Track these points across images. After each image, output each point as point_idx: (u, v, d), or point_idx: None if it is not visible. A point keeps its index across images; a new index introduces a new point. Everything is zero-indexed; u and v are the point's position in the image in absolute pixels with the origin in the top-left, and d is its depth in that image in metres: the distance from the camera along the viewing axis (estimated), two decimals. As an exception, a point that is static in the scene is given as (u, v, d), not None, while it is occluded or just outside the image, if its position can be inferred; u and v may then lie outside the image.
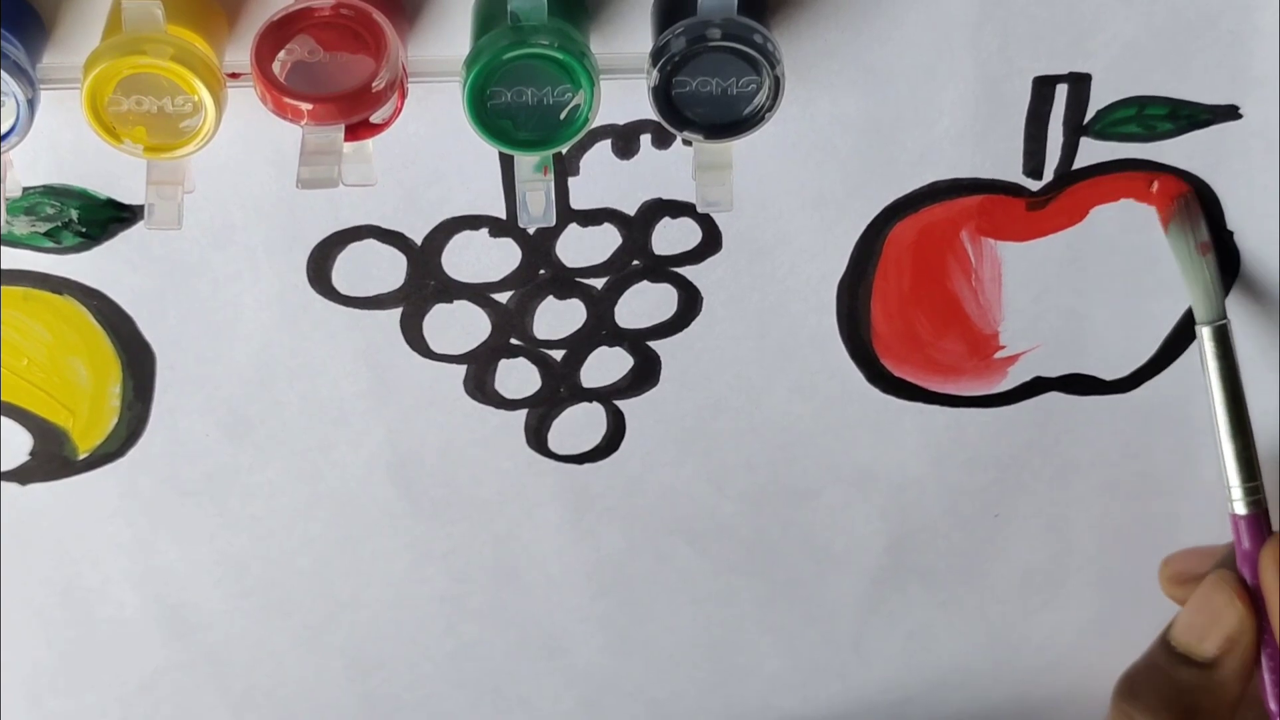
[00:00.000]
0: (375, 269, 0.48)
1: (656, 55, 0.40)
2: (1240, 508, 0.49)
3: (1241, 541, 0.50)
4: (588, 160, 0.46)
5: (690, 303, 0.50)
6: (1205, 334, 0.49)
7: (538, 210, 0.42)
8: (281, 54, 0.40)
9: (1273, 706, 0.49)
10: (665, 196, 0.47)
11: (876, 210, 0.48)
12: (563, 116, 0.40)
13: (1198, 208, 0.49)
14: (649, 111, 0.40)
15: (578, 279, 0.49)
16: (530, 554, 0.57)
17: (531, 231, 0.48)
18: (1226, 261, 0.50)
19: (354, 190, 0.46)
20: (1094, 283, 0.51)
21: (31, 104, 0.39)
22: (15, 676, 0.59)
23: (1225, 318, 0.49)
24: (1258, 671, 0.49)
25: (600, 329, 0.51)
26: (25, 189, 0.45)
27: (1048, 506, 0.57)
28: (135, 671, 0.59)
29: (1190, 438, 0.55)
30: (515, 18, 0.39)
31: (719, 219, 0.48)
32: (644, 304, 0.50)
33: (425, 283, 0.49)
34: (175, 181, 0.42)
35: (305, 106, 0.39)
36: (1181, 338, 0.52)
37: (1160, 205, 0.49)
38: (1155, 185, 0.49)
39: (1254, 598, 0.49)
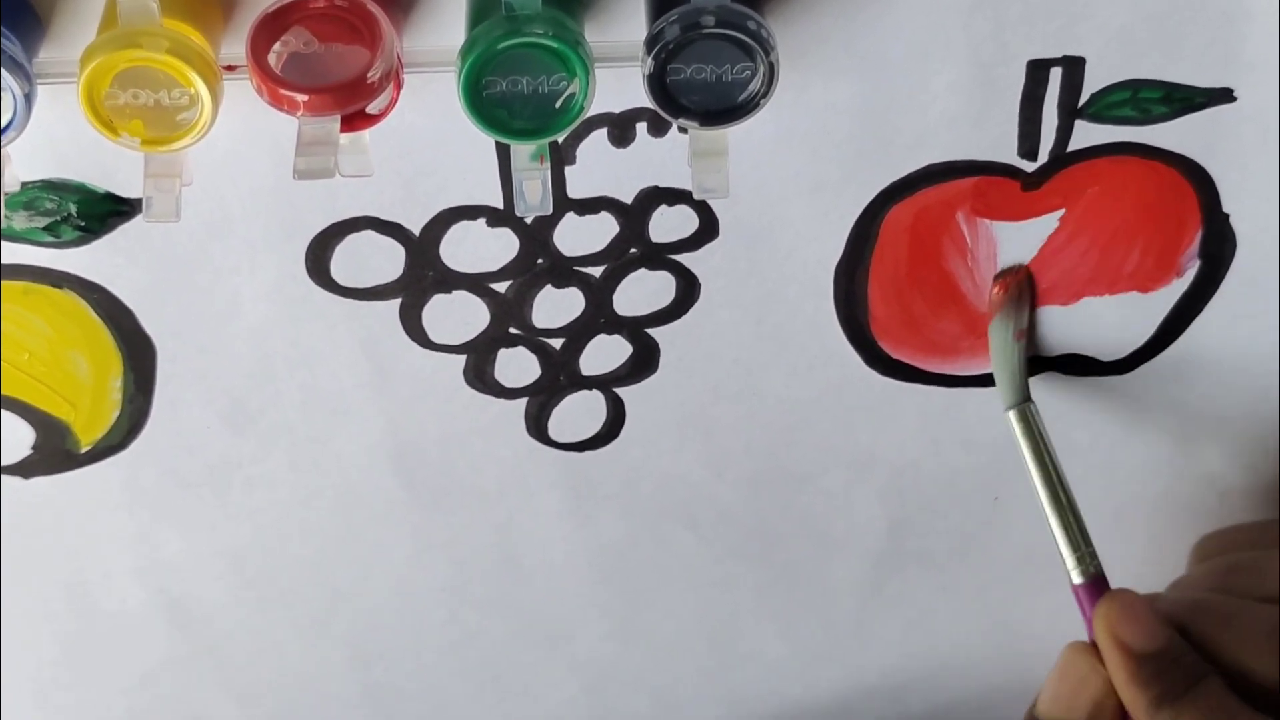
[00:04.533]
0: (373, 260, 0.48)
1: (651, 43, 0.40)
2: (1076, 577, 0.50)
3: (1084, 610, 0.50)
4: (584, 149, 0.46)
5: (688, 290, 0.50)
6: (1012, 417, 0.51)
7: (535, 199, 0.43)
8: (277, 46, 0.40)
9: None
10: (662, 184, 0.47)
11: (872, 194, 0.48)
12: (558, 105, 0.40)
13: (1029, 294, 0.51)
14: (644, 99, 0.40)
15: (576, 267, 0.49)
16: (531, 542, 0.57)
17: (529, 220, 0.48)
18: (1222, 244, 0.51)
19: (351, 181, 0.46)
20: (1090, 265, 0.51)
21: (29, 99, 0.39)
22: (19, 670, 0.59)
23: (1029, 399, 0.50)
24: None
25: (599, 317, 0.51)
26: (24, 184, 0.45)
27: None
28: (139, 664, 0.59)
29: (1187, 420, 0.55)
30: (509, 7, 0.39)
31: (715, 206, 0.48)
32: (642, 291, 0.50)
33: (424, 273, 0.49)
34: (173, 174, 0.42)
35: (301, 98, 0.39)
36: (1178, 320, 0.53)
37: (995, 296, 0.50)
38: (995, 290, 0.51)
39: None
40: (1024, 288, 0.50)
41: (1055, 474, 0.50)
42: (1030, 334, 0.52)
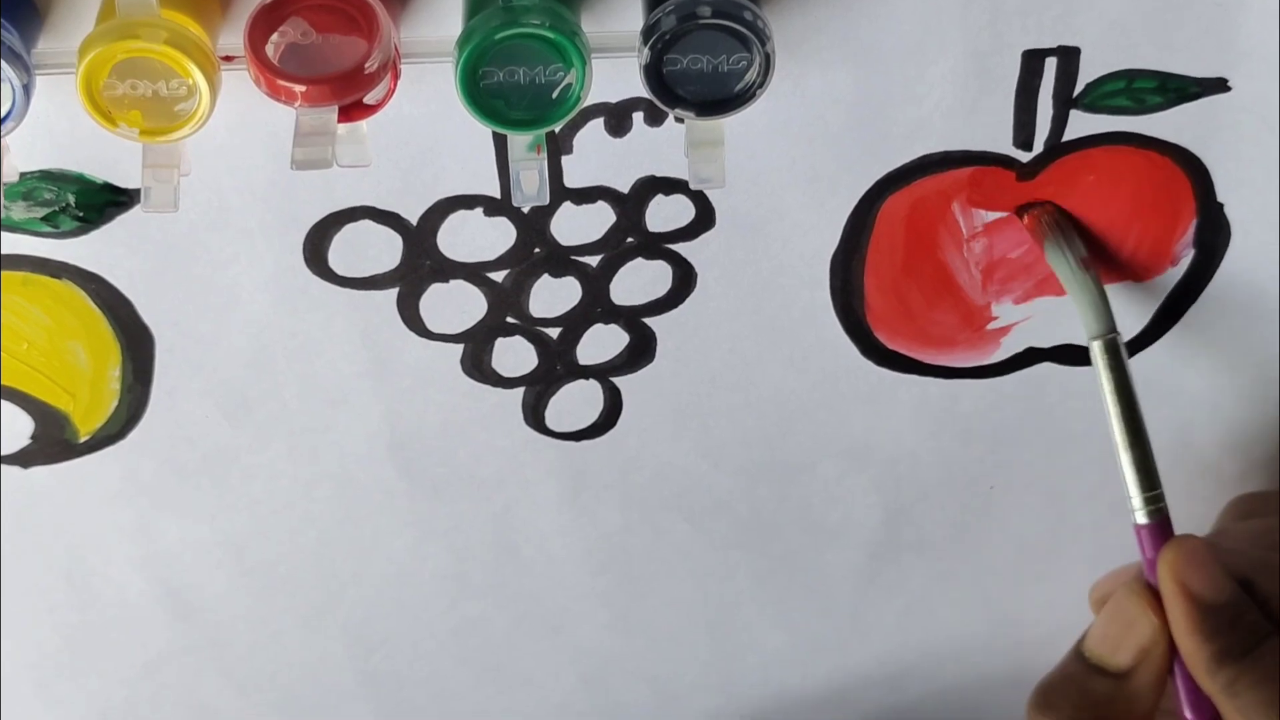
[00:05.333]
0: (371, 249, 0.48)
1: (647, 33, 0.40)
2: (1141, 517, 0.49)
3: (1145, 551, 0.49)
4: (581, 139, 0.46)
5: (685, 279, 0.50)
6: (1096, 348, 0.49)
7: (531, 189, 0.43)
8: (275, 36, 0.40)
9: (1188, 715, 0.48)
10: (658, 174, 0.48)
11: (868, 184, 0.48)
12: (555, 95, 0.40)
13: (1068, 223, 0.49)
14: (641, 89, 0.41)
15: (573, 257, 0.50)
16: (529, 531, 0.57)
17: (526, 210, 0.48)
18: (1216, 233, 0.51)
19: (349, 171, 0.46)
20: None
21: (27, 89, 0.39)
22: (19, 661, 0.59)
23: (1115, 330, 0.49)
24: (1171, 681, 0.49)
25: (596, 306, 0.51)
26: (22, 174, 0.45)
27: (1042, 478, 0.58)
28: (139, 653, 0.59)
29: (1182, 408, 0.55)
30: (506, -3, 0.40)
31: (712, 195, 0.48)
32: (639, 281, 0.50)
33: (421, 262, 0.49)
34: (171, 165, 0.42)
35: (299, 88, 0.40)
36: (1174, 308, 0.53)
37: (1030, 228, 0.49)
38: (1025, 218, 0.49)
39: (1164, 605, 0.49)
40: (1058, 219, 0.49)
41: (1134, 410, 0.49)
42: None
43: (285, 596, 0.58)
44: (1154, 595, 0.49)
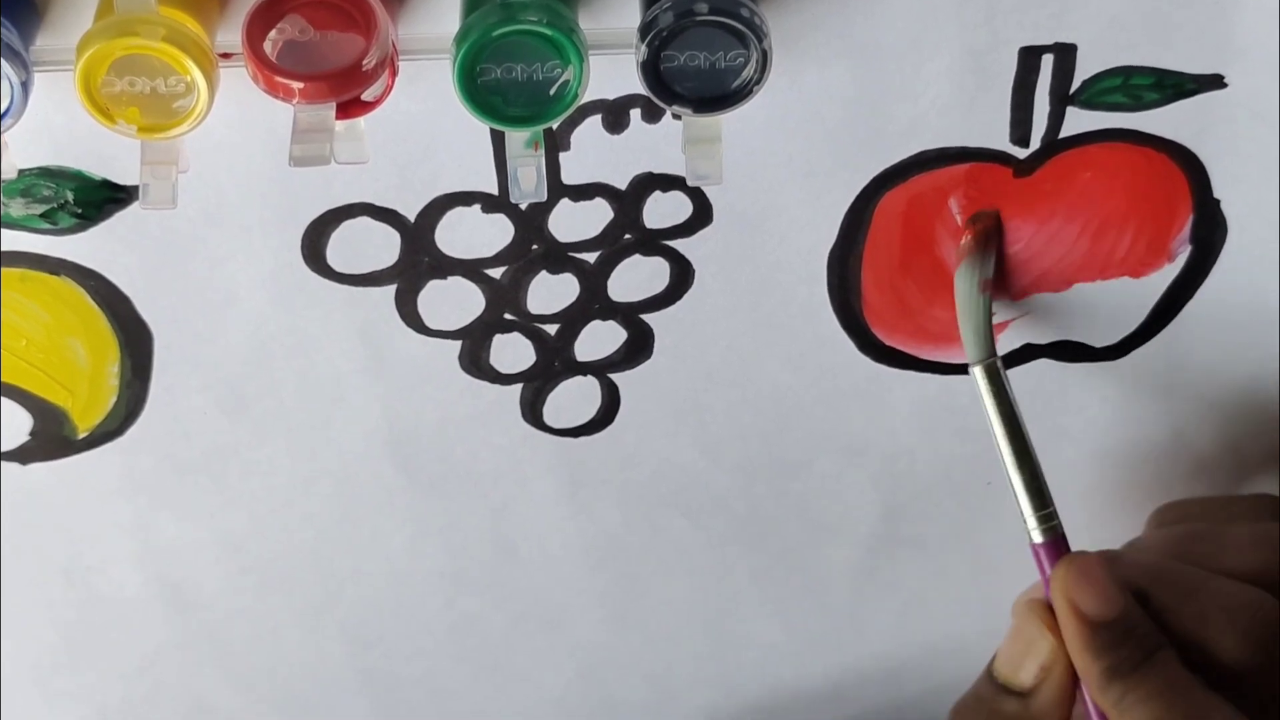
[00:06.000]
0: (369, 246, 0.48)
1: (644, 30, 0.40)
2: (1036, 536, 0.49)
3: (1044, 569, 0.49)
4: (578, 135, 0.46)
5: (682, 275, 0.50)
6: (978, 373, 0.49)
7: (529, 186, 0.43)
8: (272, 33, 0.40)
9: None
10: (656, 170, 0.48)
11: (865, 180, 0.48)
12: (552, 92, 0.41)
13: (993, 243, 0.49)
14: (638, 86, 0.41)
15: (570, 253, 0.50)
16: (527, 528, 0.57)
17: (523, 207, 0.48)
18: (1213, 230, 0.51)
19: (347, 168, 0.46)
20: (1082, 251, 0.51)
21: (26, 86, 0.39)
22: (17, 656, 0.59)
23: (995, 355, 0.49)
24: (1080, 697, 0.48)
25: (593, 303, 0.51)
26: (21, 171, 0.45)
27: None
28: (137, 649, 0.59)
29: (1179, 405, 0.55)
30: (504, -6, 0.40)
31: (709, 192, 0.48)
32: (636, 277, 0.50)
33: (419, 259, 0.49)
34: (169, 161, 0.42)
35: (297, 85, 0.40)
36: (1170, 306, 0.53)
37: (965, 244, 0.50)
38: (965, 237, 0.50)
39: None
40: (991, 234, 0.49)
41: (1020, 431, 0.49)
42: (1001, 284, 0.51)
43: (283, 593, 0.58)
44: (1051, 613, 0.49)
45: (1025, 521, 0.50)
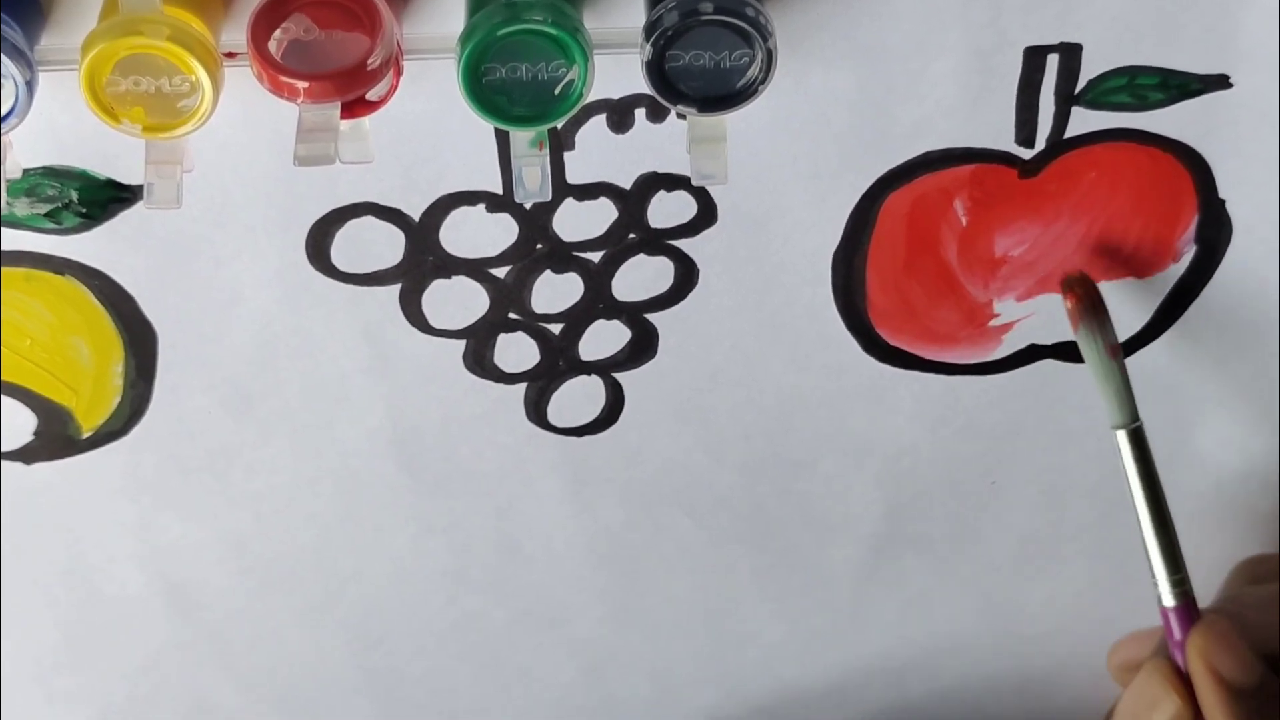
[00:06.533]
0: (374, 246, 0.48)
1: (649, 29, 0.40)
2: (1168, 599, 0.50)
3: (1173, 632, 0.50)
4: (583, 135, 0.46)
5: (686, 275, 0.50)
6: (1122, 438, 0.50)
7: (534, 185, 0.43)
8: (277, 33, 0.40)
9: None
10: (660, 170, 0.48)
11: (870, 181, 0.48)
12: (557, 92, 0.41)
13: (1104, 308, 0.50)
14: (643, 86, 0.41)
15: (575, 253, 0.50)
16: (531, 527, 0.57)
17: (528, 206, 0.48)
18: (1218, 229, 0.51)
19: (351, 167, 0.46)
20: (1087, 251, 0.51)
21: (30, 86, 0.39)
22: (20, 655, 0.59)
23: (1138, 420, 0.50)
24: None
25: (598, 302, 0.51)
26: (25, 170, 0.45)
27: (1043, 474, 0.58)
28: (140, 649, 0.59)
29: (1182, 405, 0.55)
30: (509, -6, 0.40)
31: (714, 192, 0.48)
32: (641, 277, 0.50)
33: (423, 259, 0.49)
34: (174, 161, 0.42)
35: (301, 84, 0.40)
36: (1176, 305, 0.53)
37: (1070, 308, 0.50)
38: (1066, 297, 0.50)
39: (1189, 684, 0.50)
40: (1094, 298, 0.50)
41: (1159, 497, 0.50)
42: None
43: (286, 592, 0.58)
44: (1177, 674, 0.50)
45: (1157, 584, 0.50)
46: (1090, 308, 0.50)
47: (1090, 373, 0.50)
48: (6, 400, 0.51)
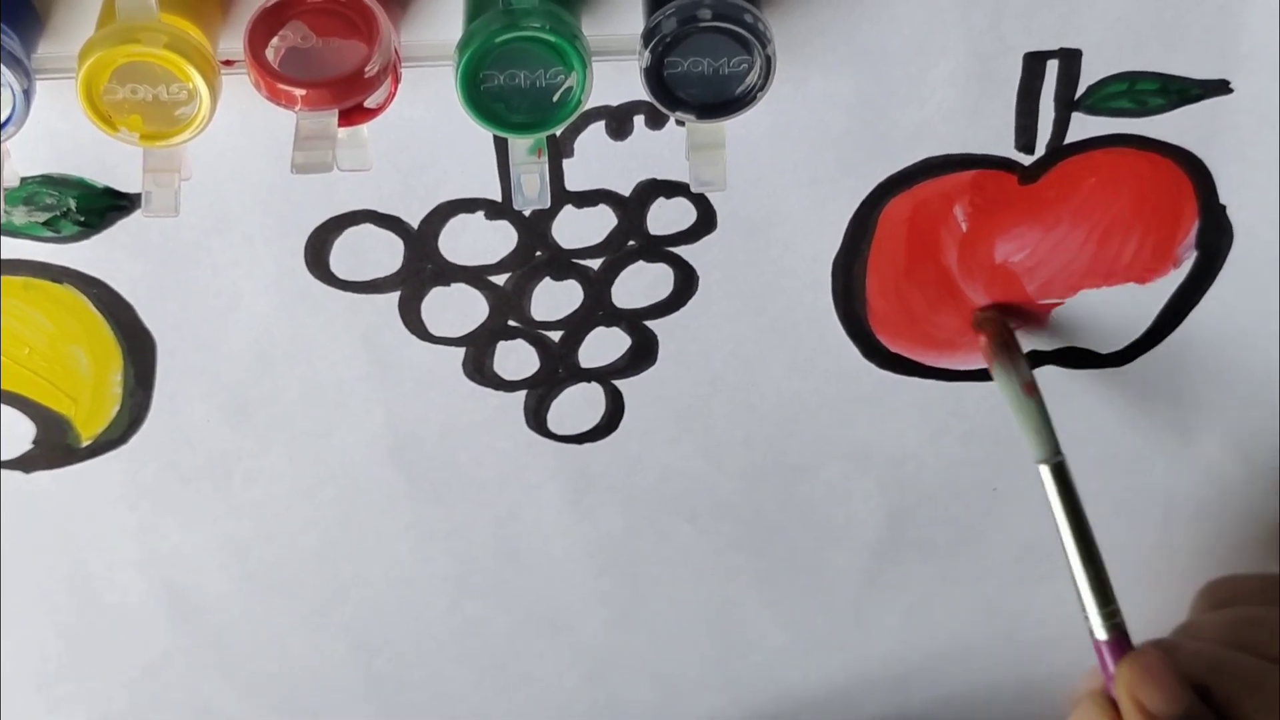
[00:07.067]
0: (372, 253, 0.48)
1: (648, 36, 0.40)
2: (1100, 632, 0.50)
3: (1106, 665, 0.51)
4: (582, 142, 0.46)
5: (686, 282, 0.50)
6: (1044, 472, 0.50)
7: (532, 192, 0.43)
8: (275, 40, 0.40)
9: None
10: (659, 177, 0.48)
11: (870, 187, 0.48)
12: (556, 99, 0.40)
13: (1016, 346, 0.50)
14: (642, 92, 0.41)
15: (574, 260, 0.49)
16: (531, 534, 0.57)
17: (527, 214, 0.48)
18: (1219, 235, 0.51)
19: (350, 175, 0.46)
20: (1088, 257, 0.51)
21: (28, 94, 0.39)
22: (21, 663, 0.59)
23: (1060, 454, 0.50)
24: None
25: (597, 309, 0.51)
26: (23, 179, 0.45)
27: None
28: (141, 656, 0.59)
29: (1185, 411, 0.55)
30: (507, 1, 0.39)
31: (713, 198, 0.48)
32: (640, 284, 0.50)
33: (422, 266, 0.49)
34: (172, 169, 0.42)
35: (299, 92, 0.40)
36: (1176, 311, 0.53)
37: (983, 347, 0.51)
38: (980, 336, 0.51)
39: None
40: (1006, 339, 0.50)
41: (1085, 529, 0.50)
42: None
43: (287, 599, 0.58)
44: (1112, 705, 0.50)
45: (1088, 618, 0.51)
46: (1002, 345, 0.50)
47: (1009, 408, 0.51)
48: (6, 409, 0.51)
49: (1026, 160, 0.48)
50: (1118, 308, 0.52)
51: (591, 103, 0.42)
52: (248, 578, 0.57)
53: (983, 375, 0.54)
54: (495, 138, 0.46)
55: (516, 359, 0.52)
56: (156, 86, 0.40)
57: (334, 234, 0.48)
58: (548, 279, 0.50)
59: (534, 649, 0.61)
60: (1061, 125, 0.47)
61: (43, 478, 0.53)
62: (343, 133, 0.42)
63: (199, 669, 0.60)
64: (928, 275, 0.51)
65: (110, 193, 0.46)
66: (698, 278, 0.50)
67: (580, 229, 0.49)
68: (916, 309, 0.51)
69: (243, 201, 0.47)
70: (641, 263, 0.50)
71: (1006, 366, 0.50)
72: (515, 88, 0.40)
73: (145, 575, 0.56)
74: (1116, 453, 0.57)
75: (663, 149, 0.47)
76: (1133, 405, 0.55)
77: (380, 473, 0.54)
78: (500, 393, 0.53)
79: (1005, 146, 0.48)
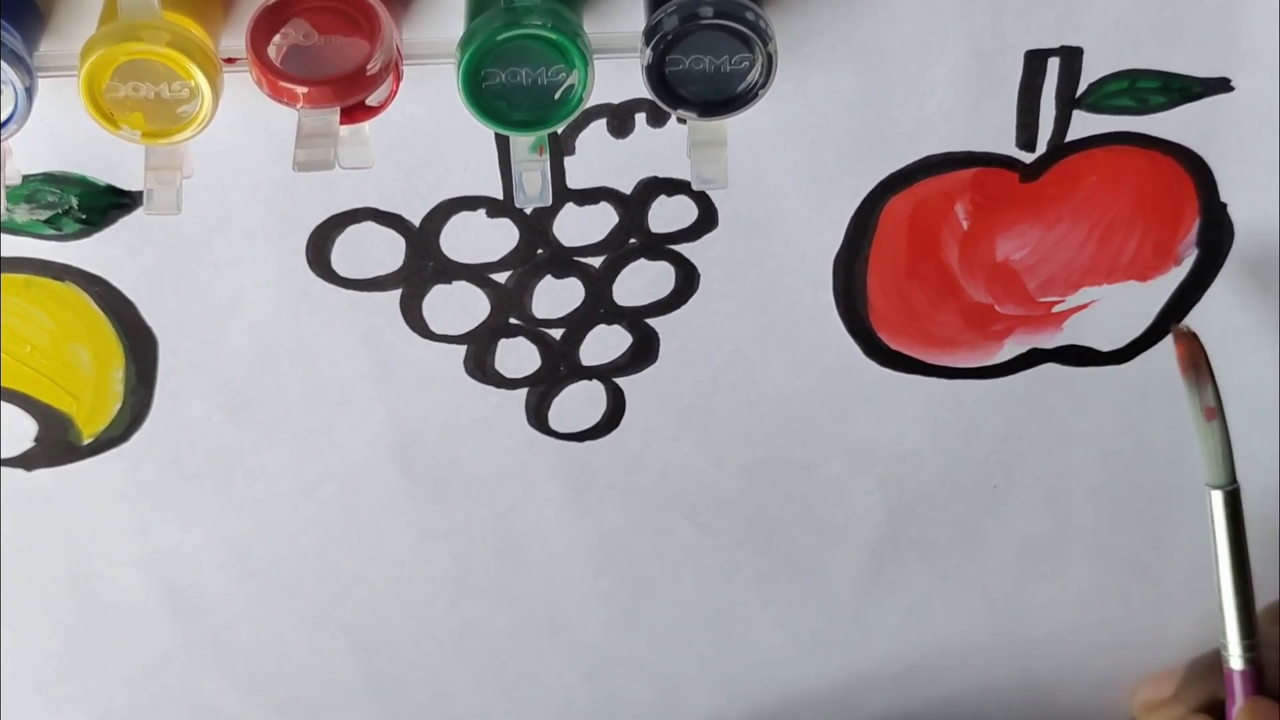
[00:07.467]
0: (374, 251, 0.48)
1: (649, 34, 0.40)
2: (1237, 663, 0.51)
3: (1233, 694, 0.51)
4: (583, 139, 0.46)
5: (687, 280, 0.50)
6: (1217, 499, 0.50)
7: (534, 190, 0.43)
8: (277, 38, 0.40)
9: None
10: (661, 174, 0.48)
11: (871, 185, 0.48)
12: (557, 96, 0.41)
13: (1206, 367, 0.50)
14: (643, 90, 0.41)
15: (575, 258, 0.50)
16: (532, 532, 0.57)
17: (528, 211, 0.48)
18: (1219, 233, 0.51)
19: (351, 173, 0.46)
20: (1088, 254, 0.51)
21: (30, 92, 0.39)
22: (21, 662, 0.59)
23: (1236, 483, 0.50)
24: None
25: (598, 307, 0.51)
26: (25, 177, 0.45)
27: (1046, 478, 0.58)
28: (141, 655, 0.59)
29: (1186, 409, 0.55)
30: (509, -1, 0.40)
31: (715, 196, 0.48)
32: (641, 282, 0.50)
33: (424, 264, 0.49)
34: (174, 167, 0.42)
35: (301, 90, 0.40)
36: (1177, 308, 0.53)
37: (1179, 356, 0.50)
38: (1176, 343, 0.51)
39: None
40: (1198, 357, 0.50)
41: (1245, 562, 0.50)
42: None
43: (288, 598, 0.58)
44: None
45: (1227, 646, 0.51)
46: (1191, 364, 0.50)
47: (1195, 429, 0.50)
48: (7, 407, 0.51)
49: (1027, 158, 0.48)
50: (1119, 305, 0.52)
51: (593, 100, 0.42)
52: (248, 577, 0.57)
53: (983, 373, 0.54)
54: (497, 135, 0.46)
55: (518, 357, 0.52)
56: (158, 84, 0.40)
57: (335, 232, 0.48)
58: (549, 277, 0.50)
59: (534, 648, 0.61)
60: (1062, 123, 0.47)
61: (44, 475, 0.53)
62: (344, 130, 0.42)
63: (199, 667, 0.60)
64: (929, 273, 0.51)
65: (112, 190, 0.46)
66: (699, 275, 0.50)
67: (581, 227, 0.49)
68: (917, 306, 0.51)
69: (244, 199, 0.47)
70: (643, 260, 0.50)
71: (1192, 384, 0.50)
72: (517, 85, 0.40)
73: (146, 574, 0.56)
74: (1117, 449, 0.57)
75: (664, 147, 0.47)
76: (1133, 403, 0.55)
77: (381, 470, 0.54)
78: (501, 390, 0.53)
79: (1006, 144, 0.48)
